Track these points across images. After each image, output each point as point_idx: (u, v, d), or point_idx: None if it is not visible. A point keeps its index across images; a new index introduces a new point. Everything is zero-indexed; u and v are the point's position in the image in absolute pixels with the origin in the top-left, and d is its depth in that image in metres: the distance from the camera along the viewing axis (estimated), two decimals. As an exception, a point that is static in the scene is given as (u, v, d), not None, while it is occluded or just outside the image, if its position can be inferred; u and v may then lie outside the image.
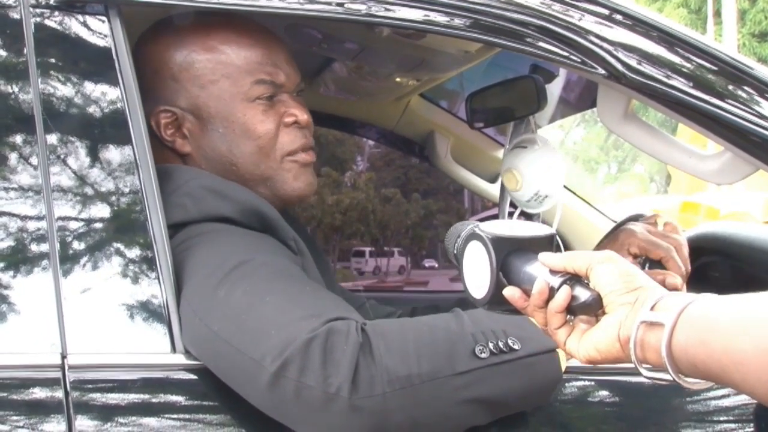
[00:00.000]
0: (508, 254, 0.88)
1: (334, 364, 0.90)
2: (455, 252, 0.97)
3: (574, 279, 0.84)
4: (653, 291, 0.79)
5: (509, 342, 0.98)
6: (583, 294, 0.82)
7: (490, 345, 0.97)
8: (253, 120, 1.28)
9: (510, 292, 0.87)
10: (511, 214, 1.80)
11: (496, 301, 0.89)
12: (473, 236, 0.91)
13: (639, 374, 0.79)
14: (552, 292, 0.84)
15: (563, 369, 1.03)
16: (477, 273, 0.91)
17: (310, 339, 0.91)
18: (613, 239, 1.34)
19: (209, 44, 1.28)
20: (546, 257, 0.86)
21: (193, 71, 1.28)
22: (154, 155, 1.24)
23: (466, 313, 1.01)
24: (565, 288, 0.83)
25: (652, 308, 0.77)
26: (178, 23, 1.31)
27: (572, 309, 0.83)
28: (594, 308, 0.82)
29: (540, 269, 0.86)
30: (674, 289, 1.24)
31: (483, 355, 0.96)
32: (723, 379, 0.72)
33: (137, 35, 1.34)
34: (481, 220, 1.05)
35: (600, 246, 1.38)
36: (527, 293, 0.86)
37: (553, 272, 0.85)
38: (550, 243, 0.90)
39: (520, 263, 0.88)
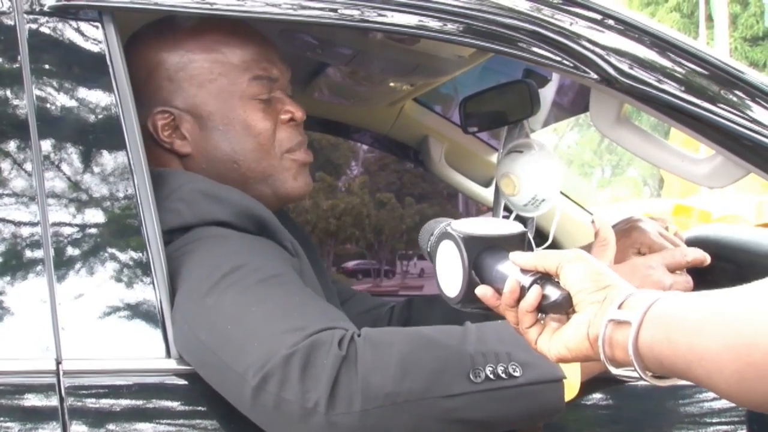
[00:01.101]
0: (480, 253, 0.89)
1: (313, 379, 0.90)
2: (428, 250, 0.98)
3: (545, 278, 0.84)
4: (622, 289, 0.79)
5: (510, 368, 0.96)
6: (553, 293, 0.82)
7: (488, 369, 0.95)
8: (253, 117, 1.29)
9: (482, 291, 0.87)
10: (506, 218, 1.80)
11: (468, 299, 0.89)
12: (445, 235, 0.92)
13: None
14: (523, 291, 0.84)
15: (569, 398, 1.01)
16: (450, 271, 0.91)
17: (291, 354, 0.91)
18: (624, 235, 1.33)
19: (205, 44, 1.29)
20: (517, 257, 0.86)
21: (189, 71, 1.28)
22: (153, 158, 1.24)
23: (476, 329, 1.00)
24: (536, 287, 0.83)
25: (619, 306, 0.77)
26: (171, 24, 1.31)
27: (543, 308, 0.83)
28: (564, 307, 0.82)
29: (511, 268, 0.86)
30: (686, 289, 1.25)
31: (477, 380, 0.94)
32: (688, 375, 0.73)
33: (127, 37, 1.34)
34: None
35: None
36: (499, 292, 0.86)
37: (524, 271, 0.85)
38: (521, 241, 0.90)
39: (492, 262, 0.88)
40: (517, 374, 0.96)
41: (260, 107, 1.30)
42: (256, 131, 1.29)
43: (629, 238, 1.33)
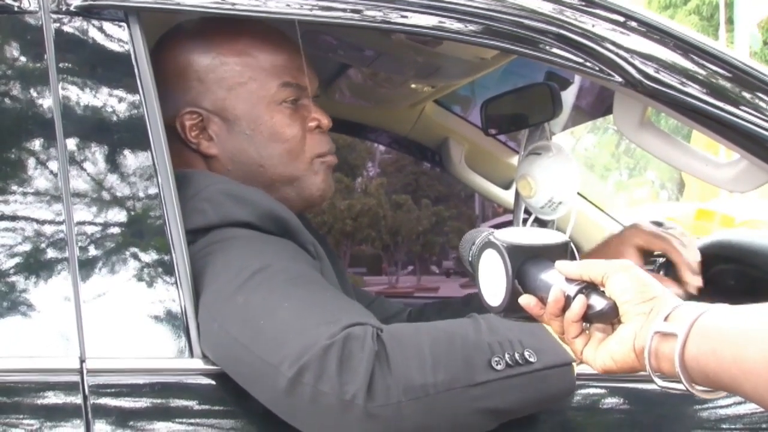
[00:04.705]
0: (524, 262, 0.88)
1: (351, 372, 0.91)
2: (470, 259, 0.98)
3: (590, 287, 0.84)
4: (667, 301, 0.79)
5: (525, 354, 0.98)
6: (598, 303, 0.82)
7: (507, 356, 0.97)
8: (280, 123, 1.30)
9: (526, 300, 0.87)
10: (525, 221, 1.80)
11: (511, 308, 0.89)
12: (488, 244, 0.91)
13: (651, 381, 0.79)
14: (568, 300, 0.84)
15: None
16: (492, 280, 0.91)
17: (328, 345, 0.92)
18: (617, 235, 1.37)
19: (237, 47, 1.30)
20: (562, 265, 0.86)
21: (220, 73, 1.29)
22: (178, 158, 1.25)
23: (483, 320, 1.01)
24: (581, 297, 0.83)
25: (665, 318, 0.77)
26: (203, 25, 1.32)
27: (588, 317, 0.83)
28: (610, 317, 0.82)
29: (556, 277, 0.86)
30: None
31: (499, 367, 0.96)
32: (733, 388, 0.73)
33: (153, 38, 1.34)
34: (493, 227, 1.05)
35: (604, 243, 1.42)
36: (543, 301, 0.86)
37: (568, 280, 0.85)
38: (564, 250, 0.90)
39: (536, 271, 0.88)
40: (532, 360, 0.98)
41: (288, 113, 1.31)
42: (284, 137, 1.31)
43: (621, 236, 1.39)
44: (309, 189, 1.34)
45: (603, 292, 0.83)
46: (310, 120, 1.34)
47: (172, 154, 1.23)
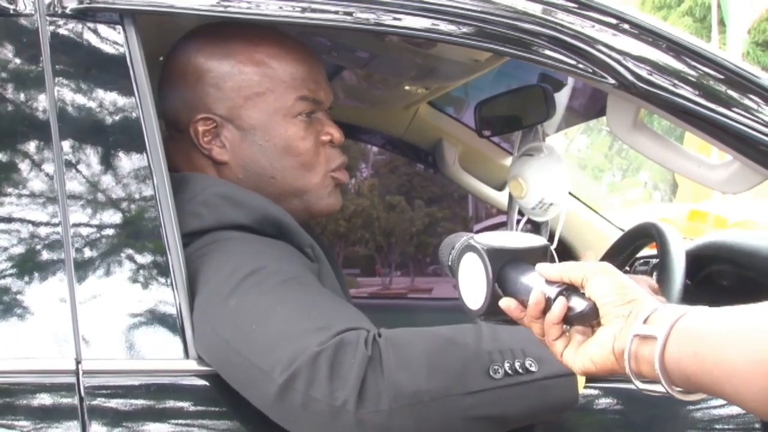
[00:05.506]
0: (504, 265, 0.89)
1: (341, 378, 0.91)
2: (449, 264, 0.98)
3: (570, 289, 0.84)
4: (647, 303, 0.79)
5: (527, 363, 0.98)
6: (579, 304, 0.82)
7: (506, 365, 0.97)
8: (294, 136, 1.30)
9: (506, 303, 0.88)
10: (519, 222, 1.81)
11: (491, 311, 0.89)
12: (469, 248, 0.92)
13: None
14: (548, 302, 0.84)
15: (580, 391, 1.02)
16: (473, 284, 0.91)
17: (319, 352, 0.92)
18: None
19: (257, 57, 1.29)
20: (543, 268, 0.86)
21: (238, 81, 1.28)
22: (189, 162, 1.26)
23: (488, 327, 1.01)
24: (562, 299, 0.83)
25: (645, 321, 0.77)
26: (223, 32, 1.31)
27: (568, 319, 0.83)
28: (590, 318, 0.82)
29: (536, 280, 0.86)
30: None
31: (497, 376, 0.96)
32: (715, 391, 0.73)
33: (149, 41, 1.34)
34: (486, 228, 1.06)
35: None
36: (523, 304, 0.86)
37: (549, 283, 0.85)
38: (544, 254, 0.91)
39: (516, 274, 0.88)
40: (533, 369, 0.98)
41: (302, 126, 1.31)
42: (298, 151, 1.30)
43: None
44: (317, 203, 1.34)
45: (583, 294, 0.84)
46: (323, 134, 1.34)
47: (182, 158, 1.23)
